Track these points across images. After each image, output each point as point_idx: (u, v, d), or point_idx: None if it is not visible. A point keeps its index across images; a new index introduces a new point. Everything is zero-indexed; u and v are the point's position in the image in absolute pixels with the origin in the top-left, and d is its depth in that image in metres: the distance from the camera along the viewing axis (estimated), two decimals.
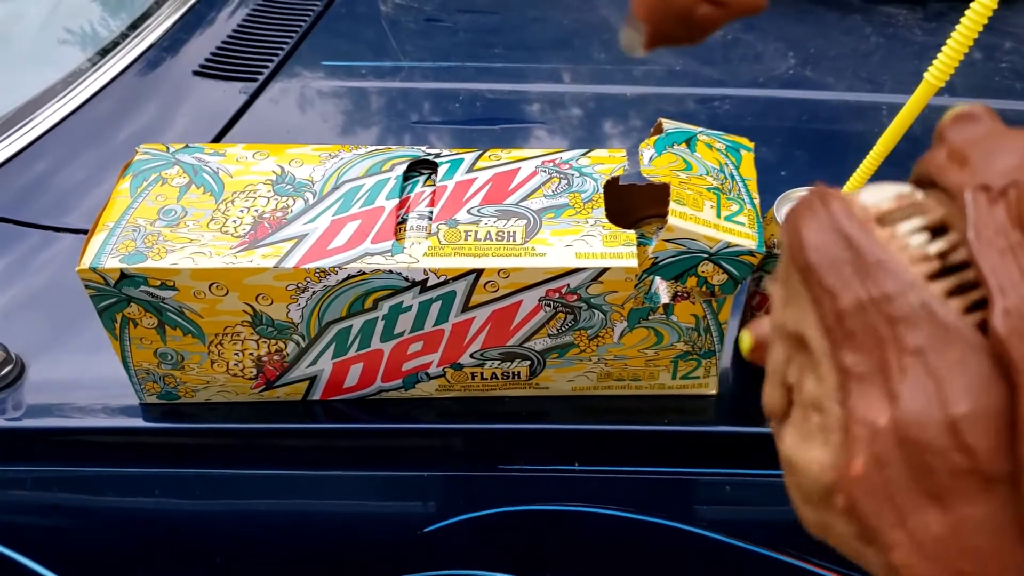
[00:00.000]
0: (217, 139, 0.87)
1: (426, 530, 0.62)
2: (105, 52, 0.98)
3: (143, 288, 0.55)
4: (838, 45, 1.02)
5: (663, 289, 0.59)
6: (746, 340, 0.27)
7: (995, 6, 0.47)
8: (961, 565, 0.21)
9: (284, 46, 1.01)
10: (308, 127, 0.90)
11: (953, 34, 0.50)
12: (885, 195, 0.24)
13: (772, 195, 0.64)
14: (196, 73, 0.96)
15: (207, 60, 0.98)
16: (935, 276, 0.22)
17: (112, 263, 0.54)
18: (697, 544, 0.62)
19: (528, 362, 0.61)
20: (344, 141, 0.63)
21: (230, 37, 1.02)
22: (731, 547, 0.62)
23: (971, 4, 0.49)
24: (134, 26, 1.02)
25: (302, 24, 1.05)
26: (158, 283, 0.55)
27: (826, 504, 0.23)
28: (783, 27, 1.06)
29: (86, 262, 0.54)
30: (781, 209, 0.60)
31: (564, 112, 0.92)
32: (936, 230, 0.23)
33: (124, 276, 0.55)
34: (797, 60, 0.99)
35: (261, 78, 0.95)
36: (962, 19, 0.49)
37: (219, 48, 1.00)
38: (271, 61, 0.98)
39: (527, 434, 0.62)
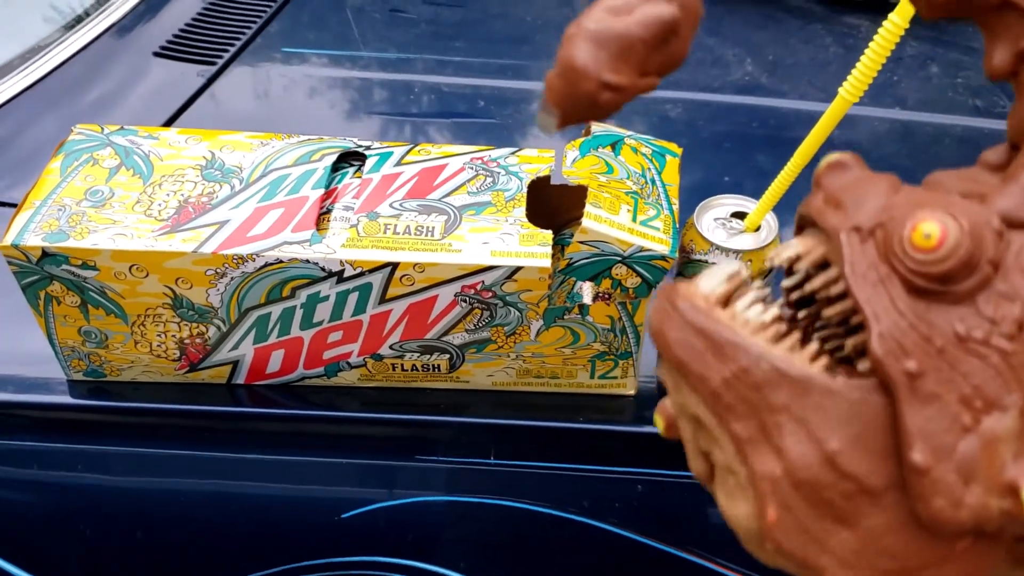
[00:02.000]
0: (170, 121, 0.87)
1: (343, 516, 0.63)
2: (67, 28, 0.98)
3: (64, 267, 0.56)
4: (796, 53, 1.03)
5: (587, 290, 0.60)
6: (659, 422, 0.30)
7: (907, 25, 0.48)
8: (883, 565, 0.24)
9: (247, 30, 1.01)
10: (261, 113, 0.91)
11: (866, 51, 0.51)
12: (718, 280, 0.27)
13: None
14: (156, 54, 0.96)
15: (168, 41, 0.98)
16: (780, 337, 0.25)
17: (34, 241, 0.55)
18: (607, 540, 0.63)
19: (447, 355, 0.62)
20: (295, 129, 0.64)
21: (195, 19, 1.02)
22: (639, 544, 0.63)
23: (884, 22, 0.50)
24: (100, 3, 1.03)
25: (267, 9, 1.05)
26: (79, 263, 0.56)
27: (763, 547, 0.26)
28: (744, 33, 1.07)
29: (8, 239, 0.55)
30: (701, 216, 0.61)
31: (519, 109, 0.92)
32: (793, 289, 0.27)
33: (46, 254, 0.55)
34: (754, 66, 1.00)
35: (221, 62, 0.96)
36: (875, 36, 0.50)
37: (182, 30, 1.00)
38: (232, 45, 0.99)
39: (445, 426, 0.63)
